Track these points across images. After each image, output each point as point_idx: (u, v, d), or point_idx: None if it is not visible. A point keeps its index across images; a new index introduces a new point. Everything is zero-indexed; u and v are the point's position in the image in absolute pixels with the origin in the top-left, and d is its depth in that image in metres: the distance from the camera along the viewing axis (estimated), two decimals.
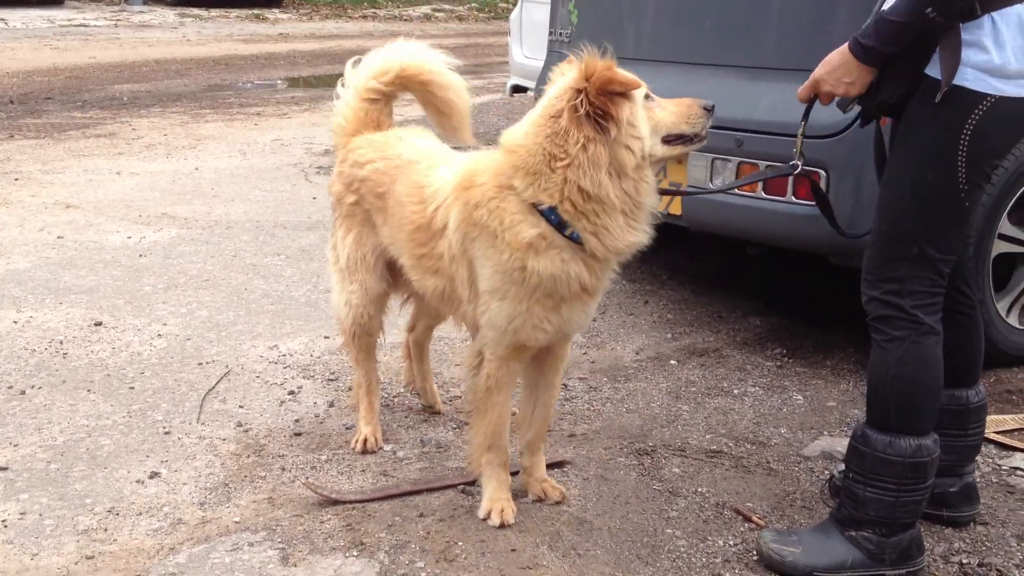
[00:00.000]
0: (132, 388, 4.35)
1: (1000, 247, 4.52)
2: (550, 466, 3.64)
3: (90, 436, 3.89)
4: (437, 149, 3.58)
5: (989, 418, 4.06)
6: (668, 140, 2.97)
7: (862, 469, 2.99)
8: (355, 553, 3.09)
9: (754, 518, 3.36)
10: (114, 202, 7.99)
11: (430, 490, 3.48)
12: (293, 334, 5.06)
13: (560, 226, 2.95)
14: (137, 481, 3.56)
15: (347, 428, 3.97)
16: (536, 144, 2.91)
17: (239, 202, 8.02)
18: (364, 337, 3.79)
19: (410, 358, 4.22)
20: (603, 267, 3.05)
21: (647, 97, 2.97)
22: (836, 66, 2.83)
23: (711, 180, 4.80)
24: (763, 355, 4.94)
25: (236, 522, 3.28)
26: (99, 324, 5.15)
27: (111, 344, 4.88)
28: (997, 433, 4.05)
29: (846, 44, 2.82)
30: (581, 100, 2.84)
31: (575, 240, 2.96)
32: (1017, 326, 4.68)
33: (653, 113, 2.95)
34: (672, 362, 4.86)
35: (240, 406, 4.19)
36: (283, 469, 3.64)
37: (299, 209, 7.74)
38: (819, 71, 2.87)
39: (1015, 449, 3.93)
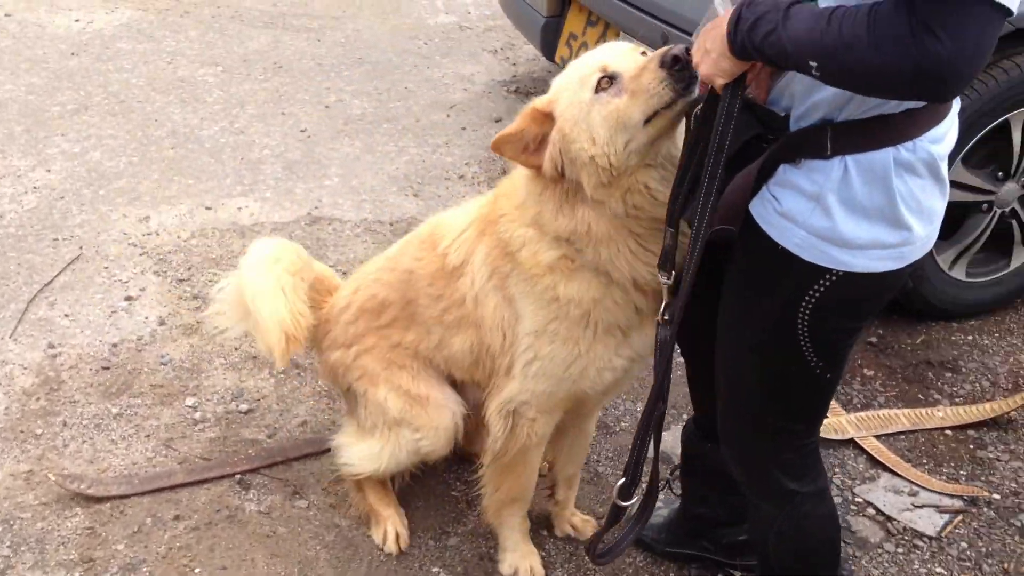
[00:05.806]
0: None
1: (953, 195, 3.81)
2: None
3: None
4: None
5: (873, 414, 3.57)
6: (649, 118, 2.17)
7: None
8: (78, 573, 2.90)
9: None
10: None
11: (203, 481, 3.23)
12: (174, 199, 4.68)
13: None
14: None
15: (163, 363, 3.69)
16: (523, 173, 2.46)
17: None
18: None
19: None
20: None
21: (609, 79, 2.19)
22: (713, 42, 1.87)
23: None
24: None
25: None
26: None
27: None
28: (877, 438, 3.51)
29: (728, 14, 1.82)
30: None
31: None
32: (961, 279, 4.05)
33: (612, 104, 2.18)
34: None
35: (66, 314, 3.91)
36: (64, 424, 3.41)
37: None
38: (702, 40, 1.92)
39: (886, 470, 3.37)
